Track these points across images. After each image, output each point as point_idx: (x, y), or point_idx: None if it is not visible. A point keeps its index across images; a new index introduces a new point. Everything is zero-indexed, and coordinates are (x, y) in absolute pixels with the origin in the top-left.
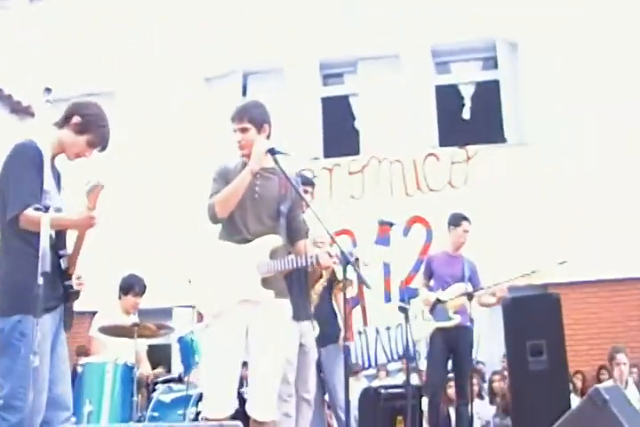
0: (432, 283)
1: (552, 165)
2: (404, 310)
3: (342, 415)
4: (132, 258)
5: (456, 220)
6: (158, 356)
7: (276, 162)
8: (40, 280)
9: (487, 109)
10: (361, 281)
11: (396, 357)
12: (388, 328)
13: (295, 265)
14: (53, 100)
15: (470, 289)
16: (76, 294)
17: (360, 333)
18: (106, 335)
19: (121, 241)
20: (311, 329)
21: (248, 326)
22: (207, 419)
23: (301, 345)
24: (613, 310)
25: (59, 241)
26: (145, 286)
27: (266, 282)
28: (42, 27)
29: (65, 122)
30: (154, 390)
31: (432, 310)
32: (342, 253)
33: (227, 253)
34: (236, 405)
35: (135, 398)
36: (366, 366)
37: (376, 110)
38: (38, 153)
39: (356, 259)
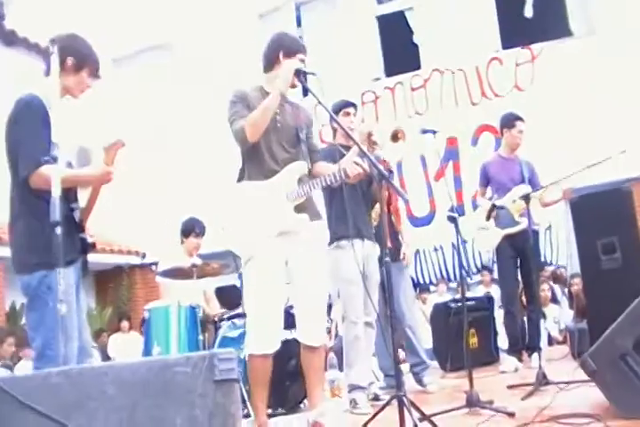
0: (489, 191)
1: (622, 55)
2: (452, 219)
3: (411, 335)
4: (187, 203)
5: (509, 121)
6: (229, 296)
7: (302, 83)
8: (58, 230)
9: (550, 3)
10: (398, 193)
11: (474, 270)
12: (465, 242)
13: (325, 183)
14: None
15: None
16: (92, 246)
17: (436, 249)
18: (169, 279)
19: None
20: (373, 249)
21: (288, 257)
22: (252, 355)
23: (363, 268)
24: None
25: (69, 194)
26: (204, 227)
27: (298, 208)
28: None
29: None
30: (219, 327)
31: (494, 218)
32: (376, 167)
33: (255, 192)
34: (279, 341)
35: (201, 337)
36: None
37: (433, 22)
38: (42, 106)
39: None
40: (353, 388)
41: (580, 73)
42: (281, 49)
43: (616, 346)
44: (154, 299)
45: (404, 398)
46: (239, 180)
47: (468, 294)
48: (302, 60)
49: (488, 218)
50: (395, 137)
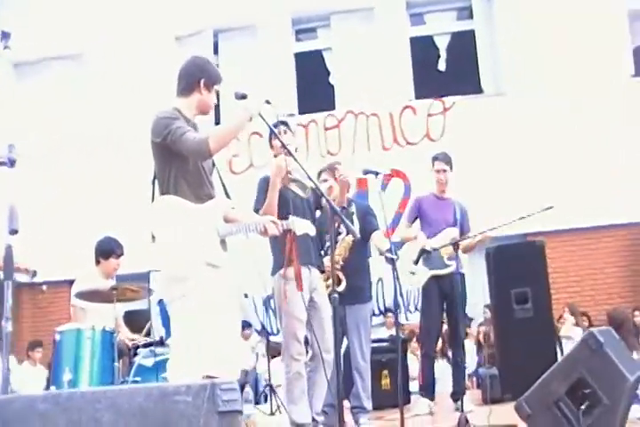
0: (414, 226)
1: (529, 115)
2: (391, 260)
3: (357, 379)
4: (103, 223)
5: (431, 161)
6: (138, 321)
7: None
8: None
9: (463, 60)
10: (348, 229)
11: (377, 311)
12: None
13: (247, 231)
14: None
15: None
16: None
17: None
18: (85, 301)
19: (90, 206)
20: (321, 280)
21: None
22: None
23: (312, 300)
24: (590, 258)
25: None
26: (123, 248)
27: (222, 244)
28: None
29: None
30: (135, 354)
31: (424, 258)
32: (329, 202)
33: (188, 212)
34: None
35: (116, 364)
36: None
37: (350, 64)
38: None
39: (343, 208)
40: (298, 426)
41: (490, 128)
42: (203, 76)
43: (550, 391)
44: (44, 320)
45: None
46: (164, 193)
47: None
48: (217, 92)
49: (417, 262)
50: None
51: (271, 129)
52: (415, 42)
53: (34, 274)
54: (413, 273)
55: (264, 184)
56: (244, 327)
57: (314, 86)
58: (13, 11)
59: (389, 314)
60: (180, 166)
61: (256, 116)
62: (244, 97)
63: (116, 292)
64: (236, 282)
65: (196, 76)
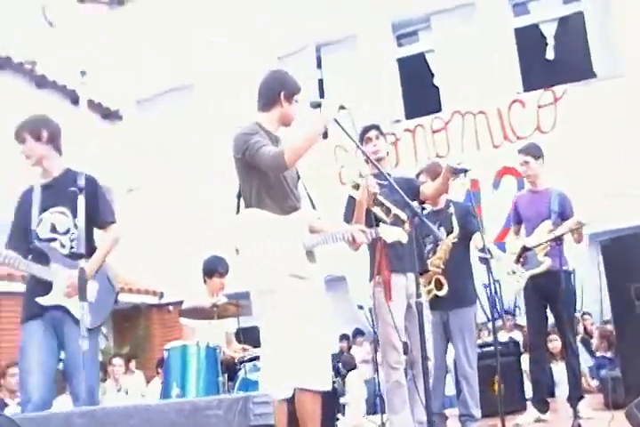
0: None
1: None
2: (484, 260)
3: (464, 386)
4: (206, 242)
5: None
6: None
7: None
8: None
9: (572, 45)
10: (431, 231)
11: (496, 315)
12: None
13: (334, 241)
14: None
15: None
16: None
17: None
18: (191, 319)
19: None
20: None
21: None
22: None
23: (409, 306)
24: None
25: None
26: (228, 266)
27: (308, 256)
28: (120, 34)
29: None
30: (241, 369)
31: (521, 259)
32: (409, 206)
33: (273, 224)
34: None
35: (221, 379)
36: None
37: (454, 63)
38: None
39: (423, 208)
40: None
41: (605, 115)
42: (283, 89)
43: None
44: (171, 339)
45: None
46: (248, 207)
47: (488, 340)
48: (297, 101)
49: (518, 260)
50: None
51: (348, 135)
52: (520, 32)
53: (161, 295)
54: (514, 272)
55: (349, 198)
56: (355, 336)
57: (419, 90)
58: (127, 51)
59: (508, 316)
60: (261, 180)
61: (331, 122)
62: (318, 106)
63: (216, 309)
64: (323, 292)
65: (276, 90)
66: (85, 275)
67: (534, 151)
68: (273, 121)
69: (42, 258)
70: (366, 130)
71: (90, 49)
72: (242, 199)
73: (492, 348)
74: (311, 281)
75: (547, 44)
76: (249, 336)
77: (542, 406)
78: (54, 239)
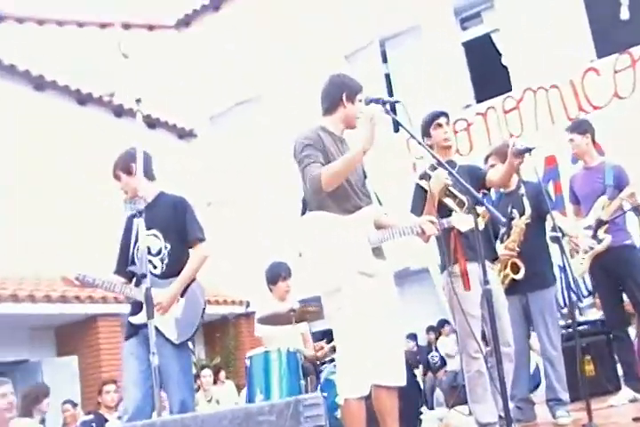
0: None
1: None
2: (556, 239)
3: (549, 369)
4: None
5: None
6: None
7: (387, 112)
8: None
9: None
10: (493, 216)
11: (585, 292)
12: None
13: (402, 235)
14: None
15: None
16: None
17: None
18: (268, 326)
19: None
20: (493, 272)
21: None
22: (348, 400)
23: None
24: None
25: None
26: (289, 269)
27: (375, 252)
28: (188, 54)
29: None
30: (321, 371)
31: (595, 233)
32: (470, 193)
33: (337, 225)
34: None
35: (302, 382)
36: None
37: (521, 40)
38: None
39: (484, 194)
40: (483, 425)
41: None
42: (344, 90)
43: None
44: (259, 347)
45: None
46: (311, 209)
47: (580, 319)
48: (360, 101)
49: (594, 236)
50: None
51: (403, 127)
52: None
53: (247, 305)
54: (591, 248)
55: (418, 189)
56: (442, 325)
57: (487, 72)
58: (196, 70)
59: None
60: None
61: (369, 148)
62: (371, 102)
63: (294, 313)
64: (392, 288)
65: (338, 93)
66: (150, 294)
67: (579, 128)
68: (337, 123)
69: (138, 280)
70: (437, 116)
71: (161, 73)
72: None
73: (580, 327)
74: (379, 278)
75: (620, 4)
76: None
77: (636, 384)
78: (149, 261)
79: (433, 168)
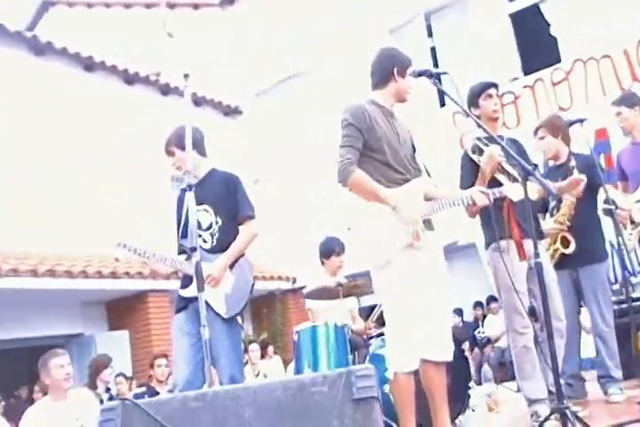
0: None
1: None
2: (609, 212)
3: (600, 346)
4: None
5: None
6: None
7: (436, 85)
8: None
9: None
10: (545, 188)
11: (639, 268)
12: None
13: (452, 206)
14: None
15: None
16: None
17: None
18: (315, 300)
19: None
20: (540, 246)
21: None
22: (397, 374)
23: (531, 268)
24: None
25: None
26: (343, 244)
27: (426, 224)
28: (233, 31)
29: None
30: (369, 345)
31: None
32: (520, 164)
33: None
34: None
35: (350, 356)
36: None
37: (572, 9)
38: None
39: (535, 165)
40: (532, 401)
41: None
42: (395, 65)
43: None
44: (307, 321)
45: (567, 411)
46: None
47: (634, 295)
48: (409, 75)
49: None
50: None
51: (453, 101)
52: None
53: (294, 280)
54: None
55: (467, 163)
56: (489, 302)
57: (535, 43)
58: (242, 47)
59: None
60: (368, 156)
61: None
62: (420, 75)
63: (341, 288)
64: (442, 261)
65: (390, 67)
66: (201, 267)
67: (627, 100)
68: (388, 97)
69: (189, 254)
70: (487, 86)
71: (206, 51)
72: None
73: (634, 304)
74: (428, 251)
75: None
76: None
77: None
78: (199, 235)
79: (483, 143)
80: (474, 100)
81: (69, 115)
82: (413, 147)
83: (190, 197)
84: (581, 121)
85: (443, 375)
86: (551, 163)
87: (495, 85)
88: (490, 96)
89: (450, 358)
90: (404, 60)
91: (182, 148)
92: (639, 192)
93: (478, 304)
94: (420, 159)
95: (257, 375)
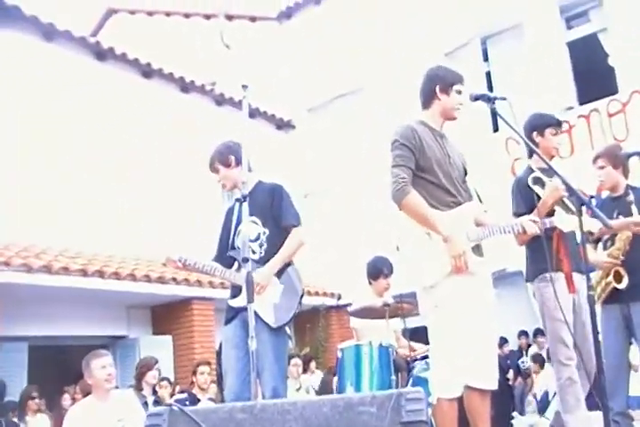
0: None
1: None
2: None
3: None
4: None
5: None
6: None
7: (493, 110)
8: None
9: None
10: (599, 219)
11: None
12: None
13: (503, 233)
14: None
15: None
16: None
17: None
18: (360, 319)
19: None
20: (582, 282)
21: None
22: (440, 400)
23: (573, 304)
24: None
25: None
26: (392, 266)
27: (475, 249)
28: (289, 45)
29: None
30: (412, 368)
31: None
32: (576, 194)
33: None
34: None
35: (393, 377)
36: None
37: (631, 40)
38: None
39: (591, 196)
40: None
41: None
42: (437, 83)
43: None
44: (349, 339)
45: None
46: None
47: None
48: (459, 92)
49: None
50: None
51: (514, 129)
52: None
53: (339, 297)
54: None
55: (524, 191)
56: (536, 335)
57: (592, 73)
58: (297, 62)
59: None
60: (419, 177)
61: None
62: (477, 99)
63: (387, 308)
64: (490, 287)
65: (431, 86)
66: (252, 278)
67: None
68: (435, 117)
69: (239, 264)
70: (558, 123)
71: (262, 63)
72: None
73: None
74: (477, 276)
75: None
76: (415, 337)
77: None
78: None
79: (547, 175)
80: (540, 128)
81: (126, 119)
82: (465, 170)
83: (244, 207)
84: (638, 154)
85: (487, 404)
86: (605, 194)
87: (560, 124)
88: (556, 133)
89: (495, 386)
90: (447, 76)
91: (226, 164)
92: None
93: (523, 333)
94: (470, 183)
95: (298, 390)
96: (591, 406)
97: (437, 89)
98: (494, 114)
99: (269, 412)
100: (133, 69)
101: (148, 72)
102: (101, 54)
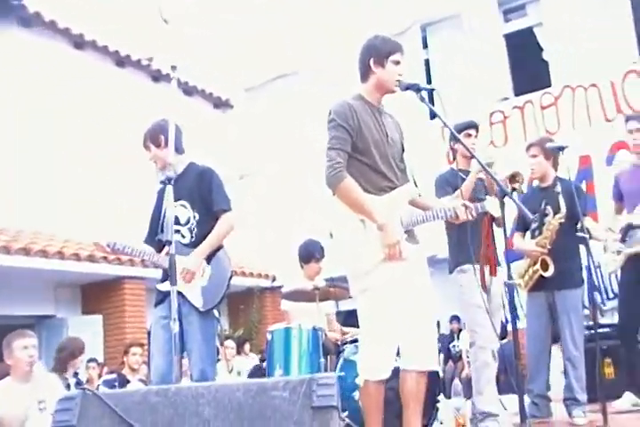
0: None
1: None
2: (582, 240)
3: (570, 369)
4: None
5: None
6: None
7: (422, 100)
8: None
9: None
10: (521, 211)
11: (612, 295)
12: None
13: (435, 219)
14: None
15: None
16: None
17: None
18: (291, 302)
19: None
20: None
21: (398, 281)
22: (367, 381)
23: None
24: None
25: None
26: (324, 250)
27: (409, 235)
28: (227, 24)
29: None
30: (343, 351)
31: (623, 237)
32: (499, 186)
33: None
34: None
35: (322, 360)
36: None
37: (564, 36)
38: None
39: (513, 189)
40: (485, 416)
41: None
42: (370, 56)
43: None
44: (282, 321)
45: None
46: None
47: (603, 321)
48: (397, 62)
49: (623, 239)
50: (512, 179)
51: (438, 117)
52: None
53: (273, 279)
54: (620, 252)
55: (444, 182)
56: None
57: (527, 66)
58: (236, 41)
59: None
60: (354, 160)
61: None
62: (407, 88)
63: (318, 291)
64: (425, 273)
65: (366, 59)
66: (174, 260)
67: None
68: (372, 91)
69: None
70: (468, 126)
71: (201, 41)
72: None
73: (602, 330)
74: (409, 262)
75: None
76: (349, 320)
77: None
78: (177, 231)
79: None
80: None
81: (53, 92)
82: (402, 147)
83: (169, 190)
84: (562, 149)
85: (423, 385)
86: (535, 183)
87: (476, 127)
88: (469, 135)
89: (433, 366)
90: (383, 47)
91: (157, 144)
92: (636, 214)
93: (454, 318)
94: (408, 162)
95: (230, 372)
96: (508, 389)
97: (372, 61)
98: (422, 100)
99: (183, 395)
100: (64, 39)
101: (79, 43)
102: (26, 20)
